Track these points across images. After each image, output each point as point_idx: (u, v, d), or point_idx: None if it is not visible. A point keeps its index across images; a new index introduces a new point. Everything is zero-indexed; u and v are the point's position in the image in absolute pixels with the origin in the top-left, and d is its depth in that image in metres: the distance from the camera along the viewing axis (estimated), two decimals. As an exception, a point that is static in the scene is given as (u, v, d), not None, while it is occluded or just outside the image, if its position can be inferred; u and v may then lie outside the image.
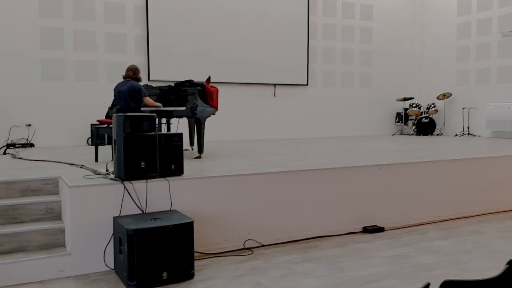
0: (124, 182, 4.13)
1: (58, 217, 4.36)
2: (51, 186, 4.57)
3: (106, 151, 7.10)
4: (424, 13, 12.35)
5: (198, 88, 6.16)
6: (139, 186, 4.19)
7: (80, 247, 3.96)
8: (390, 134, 12.19)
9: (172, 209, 4.32)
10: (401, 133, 12.16)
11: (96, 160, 5.89)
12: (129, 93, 5.83)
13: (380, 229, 5.34)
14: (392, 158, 6.16)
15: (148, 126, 4.29)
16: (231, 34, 10.14)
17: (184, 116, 6.24)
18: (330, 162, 5.71)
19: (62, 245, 4.15)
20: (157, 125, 5.80)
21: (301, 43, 10.95)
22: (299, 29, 10.92)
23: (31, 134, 8.38)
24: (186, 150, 7.54)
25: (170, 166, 4.47)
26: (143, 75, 9.37)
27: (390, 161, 5.71)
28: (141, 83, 6.14)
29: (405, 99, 11.78)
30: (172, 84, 6.49)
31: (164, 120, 7.10)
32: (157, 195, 4.27)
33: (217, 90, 6.51)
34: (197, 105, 6.09)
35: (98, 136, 5.89)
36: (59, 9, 8.66)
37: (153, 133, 4.32)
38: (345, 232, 5.23)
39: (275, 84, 10.76)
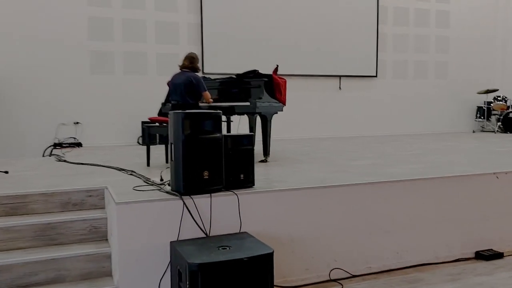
0: (183, 197, 3.27)
1: (104, 237, 3.57)
2: (95, 198, 3.79)
3: (158, 151, 6.33)
4: (510, -7, 10.82)
5: (265, 79, 5.23)
6: (201, 202, 3.32)
7: (129, 278, 3.14)
8: (470, 131, 10.79)
9: (241, 231, 3.41)
10: (482, 130, 10.74)
11: (148, 164, 5.10)
12: (186, 86, 4.99)
13: (498, 255, 4.22)
14: (505, 163, 4.98)
15: (212, 126, 3.41)
16: (292, 21, 9.14)
17: (246, 113, 5.33)
18: (428, 169, 4.63)
19: (108, 274, 3.36)
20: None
21: (369, 29, 9.79)
22: (367, 13, 9.76)
23: (79, 133, 7.78)
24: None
25: (239, 176, 3.57)
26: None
27: (506, 168, 4.55)
28: (199, 74, 5.30)
29: (488, 92, 10.35)
30: (234, 76, 5.60)
31: (223, 118, 6.22)
32: (223, 213, 3.39)
33: (285, 82, 5.56)
34: (263, 99, 5.17)
35: (150, 136, 5.10)
36: (108, -3, 7.99)
37: (218, 135, 3.43)
38: (453, 259, 4.15)
39: (340, 76, 9.68)
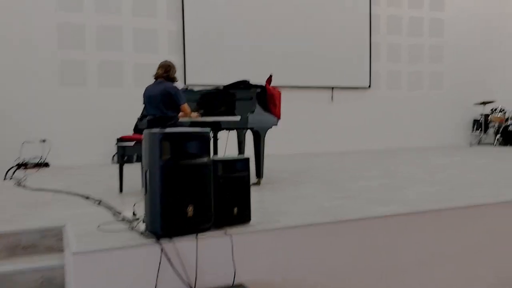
0: (161, 240, 2.54)
1: (59, 291, 2.80)
2: (52, 240, 3.03)
3: (135, 171, 5.56)
4: (505, 1, 10.42)
5: (257, 90, 4.55)
6: (184, 246, 2.59)
7: None
8: (467, 145, 10.27)
9: (236, 283, 2.69)
10: (479, 143, 10.24)
11: (121, 190, 4.34)
12: (163, 98, 4.28)
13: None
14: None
15: (199, 149, 2.70)
16: (282, 30, 8.51)
17: (235, 129, 4.63)
18: (450, 192, 3.98)
19: None
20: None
21: (362, 39, 9.23)
22: (360, 22, 9.21)
23: (46, 151, 6.94)
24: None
25: (232, 211, 2.85)
26: (179, 76, 7.93)
27: (539, 191, 3.93)
28: (178, 85, 4.58)
29: (484, 103, 9.86)
30: (220, 87, 4.90)
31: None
32: (213, 260, 2.66)
33: (280, 94, 4.89)
34: (255, 112, 4.48)
35: (123, 157, 4.35)
36: (79, 1, 7.24)
37: (206, 159, 2.72)
38: (487, 302, 3.48)
39: (332, 87, 9.07)
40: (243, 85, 4.68)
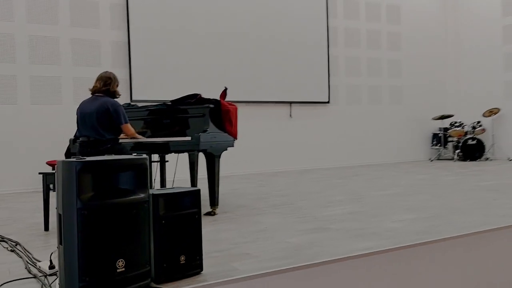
0: (81, 307, 1.87)
1: None
2: None
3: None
4: (458, 14, 10.43)
5: (210, 106, 3.96)
6: (113, 313, 1.93)
7: None
8: (427, 159, 10.09)
9: None
10: (439, 158, 10.08)
11: (46, 228, 3.60)
12: (99, 116, 3.62)
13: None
14: (514, 207, 3.99)
15: (133, 182, 2.07)
16: (236, 41, 8.00)
17: (186, 151, 4.01)
18: (431, 219, 3.52)
19: None
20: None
21: (320, 52, 8.88)
22: (318, 34, 8.86)
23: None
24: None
25: (177, 259, 2.23)
26: (123, 93, 7.20)
27: (526, 215, 3.54)
28: (120, 100, 3.93)
29: (442, 117, 9.73)
30: (168, 102, 4.27)
31: (155, 156, 4.82)
32: (153, 329, 2.02)
33: (236, 109, 4.32)
34: (208, 132, 3.88)
35: (48, 188, 3.62)
36: (7, 8, 6.43)
37: (142, 195, 2.09)
38: None
39: (290, 102, 8.62)
40: (194, 99, 4.07)
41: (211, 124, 3.96)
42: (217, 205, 4.07)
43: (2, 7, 6.39)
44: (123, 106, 4.48)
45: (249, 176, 7.56)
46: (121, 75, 7.16)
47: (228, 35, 7.95)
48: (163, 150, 4.12)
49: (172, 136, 4.09)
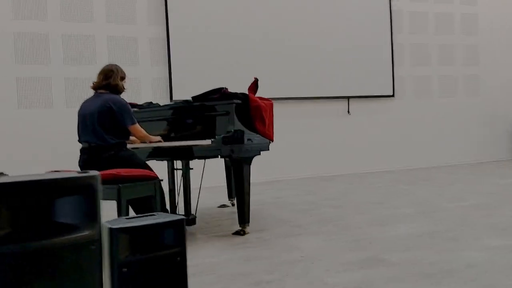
0: None
1: None
2: None
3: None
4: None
5: (236, 101, 3.23)
6: None
7: None
8: (509, 159, 8.71)
9: None
10: (526, 158, 8.68)
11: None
12: (101, 117, 3.01)
13: None
14: None
15: (71, 213, 1.38)
16: (286, 31, 7.21)
17: (207, 157, 3.32)
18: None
19: None
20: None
21: (382, 39, 7.87)
22: (379, 19, 7.86)
23: None
24: (223, 206, 4.64)
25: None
26: (163, 92, 6.70)
27: None
28: (125, 98, 3.31)
29: (530, 110, 8.34)
30: (190, 98, 3.60)
31: (177, 164, 4.15)
32: None
33: (271, 105, 3.56)
34: (235, 133, 3.15)
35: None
36: (41, 7, 6.10)
37: (88, 232, 1.40)
38: None
39: (348, 97, 7.70)
40: (218, 94, 3.36)
41: (238, 124, 3.23)
42: (248, 222, 3.34)
43: (36, 5, 6.08)
44: (145, 104, 3.89)
45: (298, 181, 6.75)
46: (160, 74, 6.68)
47: (274, 25, 7.18)
48: (185, 155, 3.45)
49: (196, 139, 3.40)
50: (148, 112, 3.70)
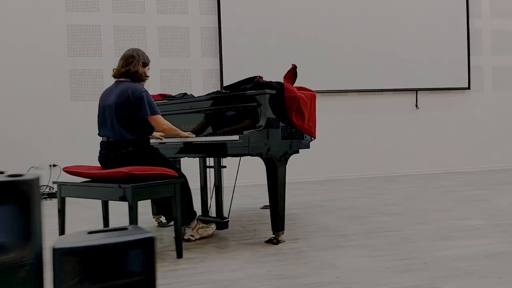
0: None
1: None
2: None
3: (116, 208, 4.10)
4: None
5: (269, 92, 2.82)
6: None
7: None
8: None
9: None
10: None
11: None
12: (117, 109, 2.73)
13: None
14: None
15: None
16: (344, 18, 6.65)
17: (236, 155, 2.93)
18: None
19: None
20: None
21: (456, 25, 7.04)
22: (454, 2, 7.04)
23: (56, 179, 5.78)
24: (266, 207, 4.28)
25: None
26: (214, 81, 6.44)
27: None
28: (147, 89, 3.03)
29: None
30: (222, 89, 3.24)
31: (209, 162, 3.81)
32: None
33: (313, 97, 3.12)
34: (264, 128, 2.76)
35: (63, 202, 2.87)
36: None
37: (20, 253, 1.06)
38: None
39: (417, 90, 6.98)
40: (252, 83, 2.98)
41: (270, 117, 2.82)
42: (283, 230, 2.93)
43: (88, -3, 6.05)
44: (179, 95, 3.59)
45: (359, 181, 6.20)
46: (210, 65, 6.42)
47: (335, 13, 6.64)
48: (219, 152, 3.09)
49: (231, 134, 3.03)
50: (177, 104, 3.40)
